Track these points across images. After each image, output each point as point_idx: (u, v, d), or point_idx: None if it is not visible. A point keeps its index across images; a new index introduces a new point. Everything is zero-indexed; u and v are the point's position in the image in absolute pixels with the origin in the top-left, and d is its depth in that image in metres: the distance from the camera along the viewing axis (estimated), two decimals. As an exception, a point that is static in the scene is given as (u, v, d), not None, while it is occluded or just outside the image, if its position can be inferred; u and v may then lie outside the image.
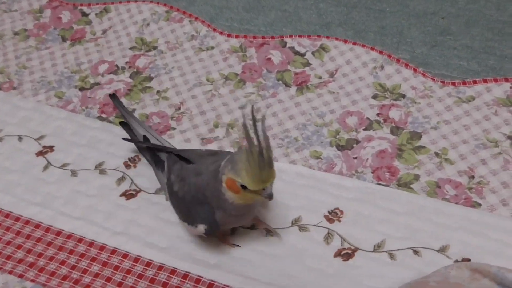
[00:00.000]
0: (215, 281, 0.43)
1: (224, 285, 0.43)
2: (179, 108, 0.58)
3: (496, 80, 0.58)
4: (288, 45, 0.64)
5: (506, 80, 0.58)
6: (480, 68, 0.61)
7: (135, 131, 0.53)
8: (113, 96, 0.57)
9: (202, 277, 0.43)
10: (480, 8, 0.68)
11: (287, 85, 0.60)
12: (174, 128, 0.56)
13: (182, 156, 0.47)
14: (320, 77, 0.61)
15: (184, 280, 0.43)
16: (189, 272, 0.44)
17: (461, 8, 0.69)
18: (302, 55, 0.63)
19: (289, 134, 0.55)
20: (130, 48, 0.66)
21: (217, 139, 0.55)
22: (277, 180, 0.51)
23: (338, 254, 0.45)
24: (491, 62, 0.61)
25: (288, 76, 0.61)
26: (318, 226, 0.47)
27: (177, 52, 0.65)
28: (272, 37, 0.65)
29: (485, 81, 0.58)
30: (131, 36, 0.67)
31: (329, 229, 0.47)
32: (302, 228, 0.47)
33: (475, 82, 0.58)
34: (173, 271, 0.44)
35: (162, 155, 0.50)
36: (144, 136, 0.52)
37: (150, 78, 0.62)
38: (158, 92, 0.60)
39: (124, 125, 0.54)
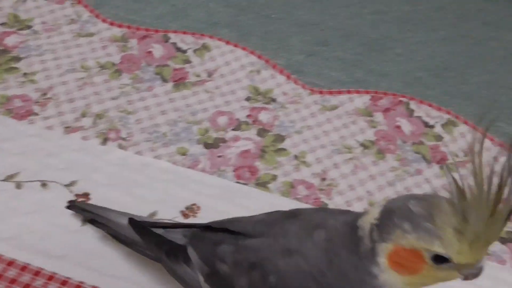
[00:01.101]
0: (56, 273, 0.42)
1: (65, 277, 0.42)
2: (46, 93, 0.56)
3: (358, 92, 0.63)
4: (171, 41, 0.64)
5: (367, 92, 0.64)
6: (347, 79, 0.66)
7: (117, 226, 0.40)
8: (72, 205, 0.45)
9: (42, 269, 0.42)
10: (356, 24, 0.74)
11: (164, 80, 0.60)
12: (37, 114, 0.54)
13: (224, 230, 0.32)
14: (199, 76, 0.62)
15: (22, 272, 0.41)
16: (28, 264, 0.42)
17: (340, 22, 0.74)
18: (184, 52, 0.64)
19: (158, 129, 0.55)
20: (1, 24, 0.62)
21: (82, 128, 0.54)
22: (138, 174, 0.51)
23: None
24: (357, 74, 0.67)
25: (167, 71, 0.61)
26: (171, 221, 0.48)
27: (54, 34, 0.62)
28: (157, 31, 0.65)
29: (348, 92, 0.63)
30: (3, 11, 0.63)
31: (183, 224, 0.48)
32: (157, 222, 0.48)
33: (340, 92, 0.63)
34: (10, 262, 0.42)
35: (175, 236, 0.36)
36: (131, 220, 0.39)
37: (18, 59, 0.59)
38: (25, 74, 0.57)
39: (96, 223, 0.43)
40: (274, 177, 0.54)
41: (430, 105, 0.63)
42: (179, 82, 0.60)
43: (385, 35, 0.73)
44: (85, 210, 0.44)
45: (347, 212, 0.31)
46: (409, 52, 0.71)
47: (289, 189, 0.53)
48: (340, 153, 0.57)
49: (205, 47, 0.64)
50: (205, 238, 0.33)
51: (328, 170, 0.55)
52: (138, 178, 0.50)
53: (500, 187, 0.23)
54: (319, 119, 0.60)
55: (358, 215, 0.28)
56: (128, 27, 0.64)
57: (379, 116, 0.61)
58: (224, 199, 0.50)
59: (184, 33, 0.65)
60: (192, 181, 0.51)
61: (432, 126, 0.61)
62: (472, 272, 0.25)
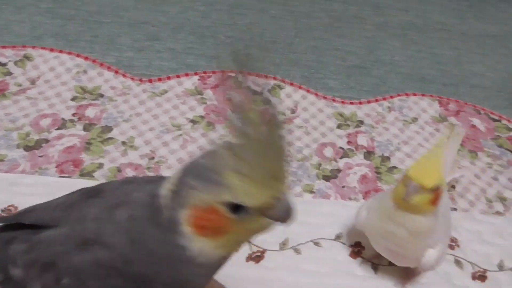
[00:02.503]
0: None
1: None
2: None
3: (187, 75, 0.66)
4: (-11, 57, 0.63)
5: (196, 73, 0.66)
6: (177, 66, 0.68)
7: None
8: None
9: None
10: (188, 16, 0.77)
11: (-18, 94, 0.59)
12: None
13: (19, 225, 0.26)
14: (20, 85, 0.61)
15: None
16: None
17: (172, 17, 0.76)
18: (4, 65, 0.63)
19: (-27, 142, 0.54)
20: None
21: None
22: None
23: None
24: (189, 60, 0.69)
25: (-16, 86, 0.60)
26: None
27: None
28: (-27, 50, 0.64)
29: (178, 76, 0.65)
30: None
31: None
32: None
33: (169, 78, 0.65)
34: None
35: None
36: None
37: None
38: None
39: None
40: (100, 165, 0.53)
41: (257, 75, 0.67)
42: (-1, 94, 0.59)
43: (216, 22, 0.77)
44: None
45: (156, 179, 0.26)
46: (237, 33, 0.75)
47: (116, 173, 0.53)
48: (169, 132, 0.58)
49: (27, 57, 0.64)
50: None
51: (157, 149, 0.56)
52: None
53: (265, 116, 0.20)
54: (148, 105, 0.61)
55: (163, 183, 0.25)
56: None
57: (208, 93, 0.64)
58: (45, 195, 0.48)
59: (4, 47, 0.64)
60: (9, 184, 0.50)
61: (260, 93, 0.65)
62: (279, 213, 0.22)
